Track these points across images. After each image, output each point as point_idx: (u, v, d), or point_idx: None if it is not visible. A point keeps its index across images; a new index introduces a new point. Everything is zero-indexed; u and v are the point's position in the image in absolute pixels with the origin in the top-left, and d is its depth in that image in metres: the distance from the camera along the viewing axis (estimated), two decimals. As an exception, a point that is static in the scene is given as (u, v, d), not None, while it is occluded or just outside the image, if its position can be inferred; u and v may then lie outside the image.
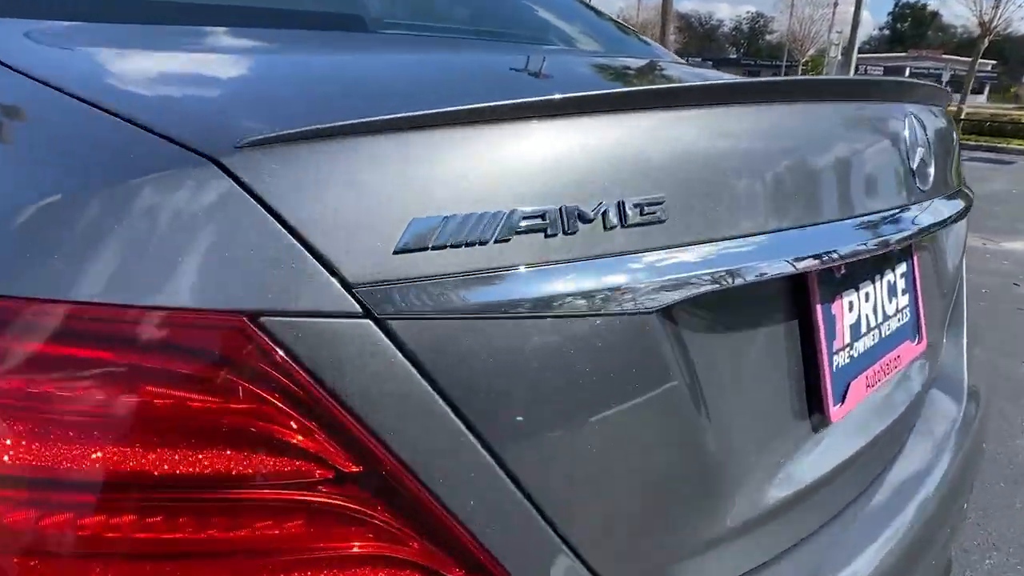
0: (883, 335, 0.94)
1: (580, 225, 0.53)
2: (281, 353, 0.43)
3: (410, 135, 0.48)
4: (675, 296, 0.57)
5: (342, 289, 0.44)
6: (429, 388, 0.47)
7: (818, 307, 0.78)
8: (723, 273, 0.59)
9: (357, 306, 0.45)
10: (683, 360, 0.62)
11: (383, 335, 0.45)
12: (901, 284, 1.01)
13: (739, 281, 0.60)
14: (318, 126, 0.46)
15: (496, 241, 0.49)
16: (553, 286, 0.51)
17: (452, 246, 0.47)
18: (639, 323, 0.56)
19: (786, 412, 0.78)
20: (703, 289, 0.58)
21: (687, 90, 0.63)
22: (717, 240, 0.60)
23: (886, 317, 0.95)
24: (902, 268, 1.02)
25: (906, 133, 0.84)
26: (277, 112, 0.56)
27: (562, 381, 0.53)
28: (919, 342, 1.04)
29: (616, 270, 0.54)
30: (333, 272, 0.44)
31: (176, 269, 0.41)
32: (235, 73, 0.72)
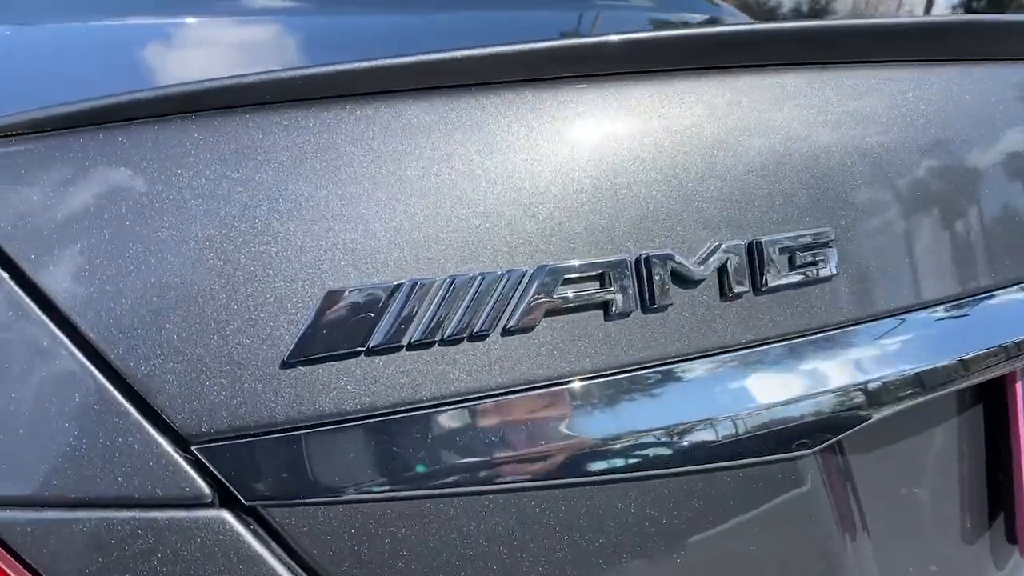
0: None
1: (675, 289, 0.31)
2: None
3: (327, 110, 0.27)
4: (855, 413, 0.35)
5: (171, 449, 0.25)
6: None
7: (1017, 386, 0.55)
8: (929, 373, 0.37)
9: (202, 483, 0.26)
10: (843, 501, 0.40)
11: (257, 543, 0.25)
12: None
13: (954, 382, 0.39)
14: (110, 100, 0.25)
15: (506, 331, 0.28)
16: (620, 417, 0.29)
17: (412, 347, 0.26)
18: (784, 472, 0.34)
19: (962, 543, 0.56)
20: (901, 402, 0.36)
21: (850, 32, 0.39)
22: (910, 310, 0.38)
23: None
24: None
25: None
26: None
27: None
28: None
29: (749, 378, 0.32)
30: (151, 414, 0.25)
31: None
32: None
